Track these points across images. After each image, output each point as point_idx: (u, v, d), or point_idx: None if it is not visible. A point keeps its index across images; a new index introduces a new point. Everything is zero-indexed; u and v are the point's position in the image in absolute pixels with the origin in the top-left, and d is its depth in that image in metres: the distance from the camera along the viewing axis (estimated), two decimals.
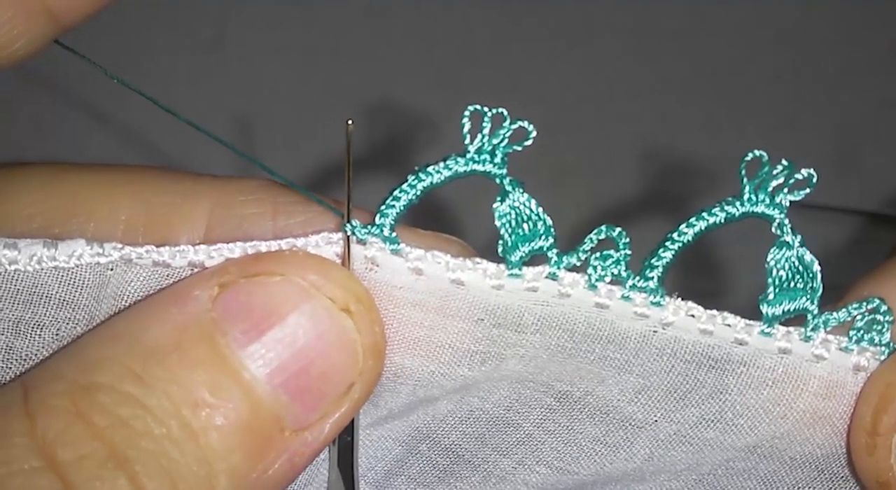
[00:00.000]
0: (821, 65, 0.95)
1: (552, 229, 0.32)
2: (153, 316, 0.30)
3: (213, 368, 0.29)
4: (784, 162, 0.31)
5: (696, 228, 0.32)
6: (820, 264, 0.36)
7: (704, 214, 0.32)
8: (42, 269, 0.31)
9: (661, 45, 0.96)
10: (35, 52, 0.34)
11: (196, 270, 0.32)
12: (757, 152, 0.32)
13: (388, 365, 0.34)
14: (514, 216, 0.32)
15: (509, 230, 0.32)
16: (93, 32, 0.38)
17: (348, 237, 0.32)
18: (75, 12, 0.34)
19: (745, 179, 0.32)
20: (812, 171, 0.31)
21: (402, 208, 0.32)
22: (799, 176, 0.32)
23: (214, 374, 0.29)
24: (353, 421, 0.34)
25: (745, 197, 0.32)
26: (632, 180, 0.91)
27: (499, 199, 0.32)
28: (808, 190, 0.31)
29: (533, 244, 0.32)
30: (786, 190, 0.32)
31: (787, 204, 0.31)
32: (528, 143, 0.32)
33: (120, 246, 0.32)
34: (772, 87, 0.94)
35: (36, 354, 0.32)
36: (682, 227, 0.32)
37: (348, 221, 0.32)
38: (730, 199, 0.32)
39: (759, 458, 0.36)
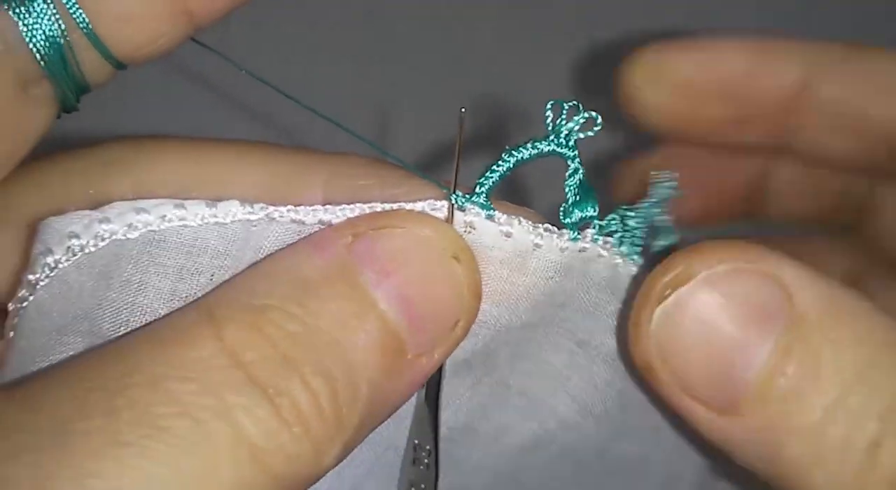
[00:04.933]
0: None
1: (597, 202, 0.40)
2: (302, 258, 0.37)
3: (354, 299, 0.36)
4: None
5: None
6: None
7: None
8: (203, 225, 0.38)
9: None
10: (173, 49, 0.41)
11: (323, 227, 0.39)
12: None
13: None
14: (576, 190, 0.40)
15: (572, 200, 0.40)
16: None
17: (452, 204, 0.39)
18: (211, 14, 0.40)
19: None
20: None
21: (495, 181, 0.40)
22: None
23: (355, 303, 0.36)
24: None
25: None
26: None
27: (568, 175, 0.40)
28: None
29: (585, 213, 0.40)
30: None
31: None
32: (597, 129, 0.39)
33: (264, 206, 0.38)
34: None
35: (194, 295, 0.39)
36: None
37: (454, 192, 0.39)
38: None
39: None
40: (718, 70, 0.48)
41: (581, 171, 0.40)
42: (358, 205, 0.39)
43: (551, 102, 0.39)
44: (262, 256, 0.39)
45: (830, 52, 0.49)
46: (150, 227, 0.37)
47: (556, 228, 0.40)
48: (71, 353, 0.38)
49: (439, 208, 0.39)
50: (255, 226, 0.38)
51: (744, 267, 0.37)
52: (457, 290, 0.38)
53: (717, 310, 0.37)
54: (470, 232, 0.40)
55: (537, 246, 0.40)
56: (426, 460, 0.43)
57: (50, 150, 0.44)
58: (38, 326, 0.38)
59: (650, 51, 0.49)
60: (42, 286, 0.37)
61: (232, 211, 0.38)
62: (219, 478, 0.31)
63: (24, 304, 0.37)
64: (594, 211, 0.40)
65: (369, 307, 0.36)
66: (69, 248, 0.37)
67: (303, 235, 0.39)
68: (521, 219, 0.40)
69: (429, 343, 0.37)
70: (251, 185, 0.41)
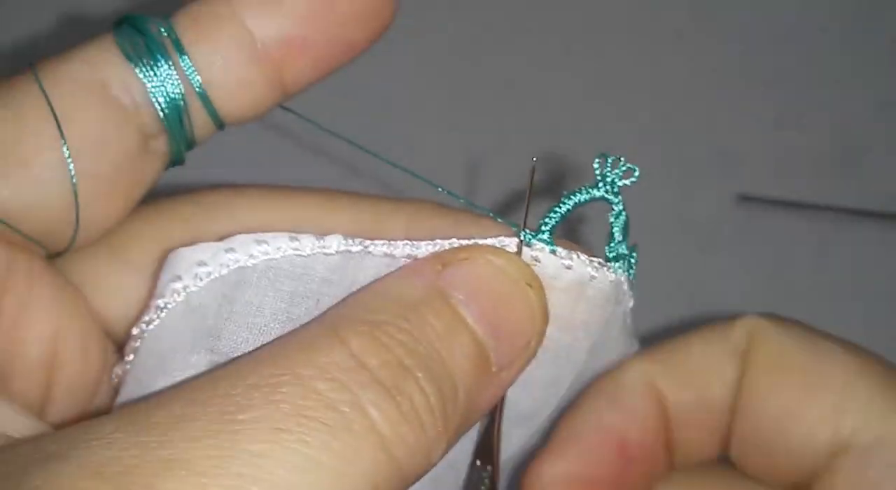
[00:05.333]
0: (821, 65, 0.95)
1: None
2: (404, 282, 0.43)
3: (449, 316, 0.41)
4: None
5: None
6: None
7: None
8: (312, 255, 0.43)
9: (660, 45, 0.96)
10: (266, 113, 0.47)
11: (411, 260, 0.44)
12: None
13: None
14: (621, 230, 0.46)
15: (617, 239, 0.46)
16: None
17: (521, 241, 0.45)
18: (303, 84, 0.47)
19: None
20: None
21: (556, 221, 0.46)
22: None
23: (450, 320, 0.41)
24: None
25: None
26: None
27: (614, 217, 0.46)
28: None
29: (622, 250, 0.47)
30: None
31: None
32: (635, 179, 0.46)
33: (362, 240, 0.44)
34: (772, 87, 0.94)
35: (303, 317, 0.44)
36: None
37: (523, 230, 0.45)
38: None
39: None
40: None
41: (624, 213, 0.46)
42: (439, 241, 0.44)
43: (599, 156, 0.46)
44: (360, 284, 0.44)
45: (661, 357, 0.53)
46: (268, 256, 0.43)
47: (605, 263, 0.46)
48: (193, 371, 0.44)
49: (508, 244, 0.45)
50: (353, 258, 0.44)
51: None
52: (531, 313, 0.43)
53: None
54: (535, 265, 0.45)
55: (593, 277, 0.46)
56: (486, 481, 0.47)
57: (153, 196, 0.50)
58: (165, 346, 0.43)
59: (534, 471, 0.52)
60: (169, 309, 0.43)
61: (336, 243, 0.43)
62: (361, 460, 0.36)
63: (151, 326, 0.43)
64: (630, 250, 0.47)
65: (461, 324, 0.41)
66: (196, 274, 0.42)
67: (392, 268, 0.44)
68: (579, 254, 0.46)
69: (508, 359, 0.43)
70: (338, 229, 0.47)
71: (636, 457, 0.51)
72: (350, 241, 0.44)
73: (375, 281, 0.44)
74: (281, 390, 0.36)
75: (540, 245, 0.46)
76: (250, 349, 0.44)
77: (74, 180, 0.44)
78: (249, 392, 0.36)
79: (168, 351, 0.43)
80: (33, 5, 0.92)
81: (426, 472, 0.39)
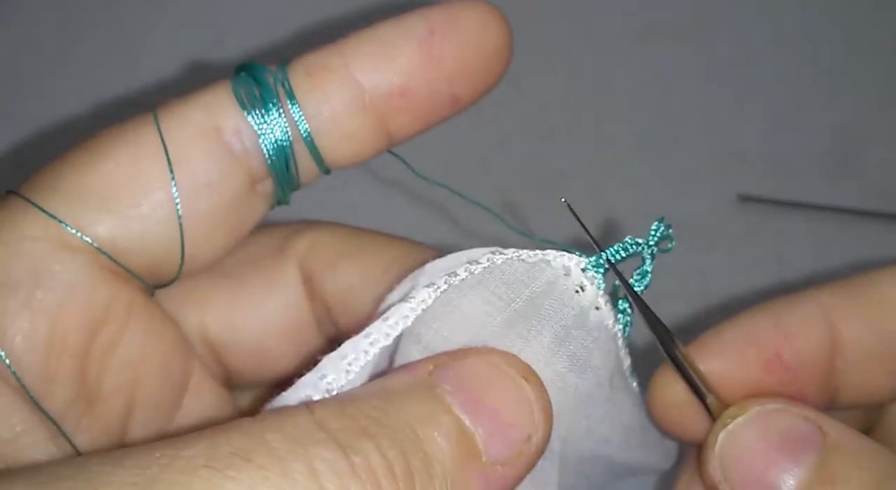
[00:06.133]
0: (821, 65, 0.95)
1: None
2: (388, 378, 0.42)
3: (432, 403, 0.40)
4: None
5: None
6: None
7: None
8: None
9: (660, 45, 0.96)
10: (368, 159, 0.50)
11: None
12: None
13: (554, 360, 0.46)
14: (642, 278, 0.47)
15: (638, 282, 0.47)
16: None
17: (608, 259, 0.46)
18: (406, 135, 0.49)
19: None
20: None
21: (614, 259, 0.47)
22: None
23: (433, 406, 0.40)
24: None
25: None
26: (632, 182, 0.91)
27: (639, 274, 0.48)
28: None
29: (624, 304, 0.48)
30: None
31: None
32: (671, 247, 0.48)
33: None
34: (772, 87, 0.94)
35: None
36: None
37: (603, 256, 0.46)
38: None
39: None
40: (745, 366, 0.50)
41: (649, 277, 0.48)
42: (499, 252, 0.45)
43: (660, 220, 0.48)
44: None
45: (842, 290, 0.51)
46: (339, 383, 0.43)
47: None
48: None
49: (576, 263, 0.46)
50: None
51: (788, 409, 0.47)
52: (527, 405, 0.42)
53: (763, 436, 0.46)
54: (578, 293, 0.46)
55: (598, 309, 0.47)
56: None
57: None
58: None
59: (667, 380, 0.50)
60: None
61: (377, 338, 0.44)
62: None
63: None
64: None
65: (444, 410, 0.40)
66: (345, 370, 0.43)
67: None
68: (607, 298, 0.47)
69: (504, 453, 0.41)
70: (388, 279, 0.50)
71: (786, 378, 0.49)
72: (434, 288, 0.44)
73: (371, 380, 0.44)
74: (230, 438, 0.36)
75: (592, 275, 0.46)
76: None
77: (181, 221, 0.46)
78: (200, 438, 0.36)
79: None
80: (163, 52, 0.97)
81: None
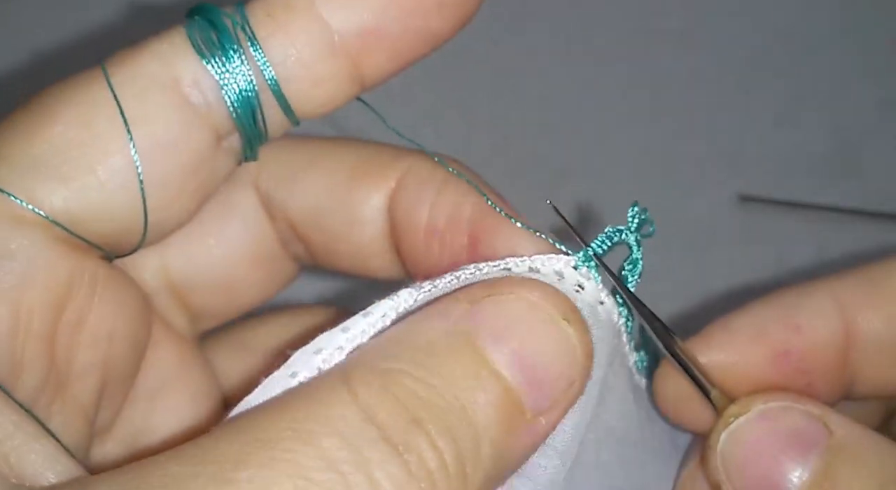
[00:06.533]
0: (821, 65, 0.95)
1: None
2: (425, 325, 0.40)
3: (473, 362, 0.38)
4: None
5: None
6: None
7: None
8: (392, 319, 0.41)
9: (660, 45, 0.96)
10: (341, 107, 0.46)
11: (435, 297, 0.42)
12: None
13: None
14: (634, 274, 0.46)
15: (631, 272, 0.46)
16: None
17: (595, 255, 0.44)
18: (380, 78, 0.45)
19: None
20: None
21: (604, 252, 0.45)
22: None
23: (474, 365, 0.38)
24: None
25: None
26: (631, 182, 0.91)
27: (630, 263, 0.46)
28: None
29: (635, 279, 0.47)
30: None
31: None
32: (652, 230, 0.46)
33: (429, 283, 0.42)
34: (772, 87, 0.94)
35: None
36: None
37: (589, 251, 0.44)
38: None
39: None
40: (750, 358, 0.48)
41: (641, 262, 0.46)
42: (489, 264, 0.42)
43: (634, 205, 0.46)
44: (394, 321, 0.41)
45: (857, 280, 0.49)
46: (355, 343, 0.40)
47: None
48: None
49: (562, 264, 0.43)
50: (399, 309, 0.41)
51: (793, 406, 0.45)
52: (570, 351, 0.40)
53: (767, 435, 0.44)
54: (578, 292, 0.44)
55: (602, 303, 0.45)
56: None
57: None
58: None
59: (669, 375, 0.48)
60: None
61: (384, 311, 0.41)
62: None
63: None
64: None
65: (488, 370, 0.38)
66: (317, 367, 0.39)
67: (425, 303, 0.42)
68: (613, 290, 0.45)
69: (546, 403, 0.39)
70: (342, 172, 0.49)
71: (796, 371, 0.47)
72: (417, 290, 0.41)
73: (398, 323, 0.41)
74: (282, 446, 0.34)
75: (586, 271, 0.44)
76: None
77: (143, 187, 0.43)
78: (248, 448, 0.34)
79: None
80: None
81: None
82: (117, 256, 0.46)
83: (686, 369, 0.46)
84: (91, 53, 0.44)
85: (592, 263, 0.44)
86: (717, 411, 0.46)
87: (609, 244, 0.45)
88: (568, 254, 0.45)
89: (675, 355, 0.46)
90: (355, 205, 0.50)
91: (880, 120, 0.93)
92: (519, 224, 0.46)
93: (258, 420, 0.36)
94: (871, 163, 0.91)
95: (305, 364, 0.39)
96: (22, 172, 0.41)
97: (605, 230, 0.46)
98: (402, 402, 0.36)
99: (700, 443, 0.49)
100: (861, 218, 0.88)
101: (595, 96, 0.94)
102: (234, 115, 0.43)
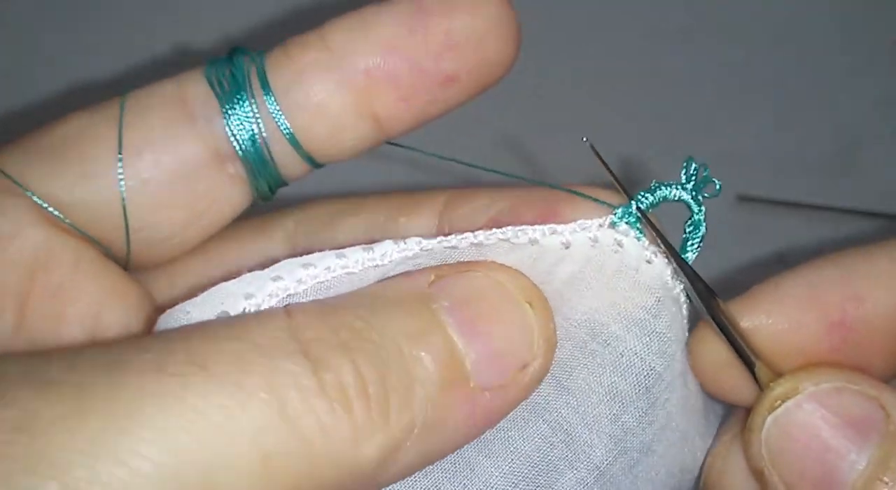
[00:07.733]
0: (821, 65, 0.95)
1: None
2: (384, 283, 0.39)
3: (425, 319, 0.37)
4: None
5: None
6: None
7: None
8: (364, 269, 0.39)
9: (660, 45, 0.96)
10: (365, 151, 0.47)
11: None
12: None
13: (605, 331, 0.42)
14: (696, 237, 0.44)
15: (692, 235, 0.44)
16: None
17: (639, 208, 0.42)
18: (400, 123, 0.46)
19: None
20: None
21: (647, 207, 0.43)
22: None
23: (425, 323, 0.37)
24: None
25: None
26: (631, 182, 0.90)
27: (692, 225, 0.44)
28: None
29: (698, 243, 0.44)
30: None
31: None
32: (718, 190, 0.43)
33: (419, 239, 0.40)
34: (772, 87, 0.94)
35: None
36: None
37: (634, 203, 0.42)
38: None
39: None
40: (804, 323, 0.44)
41: (704, 225, 0.43)
42: (510, 228, 0.40)
43: (688, 159, 0.43)
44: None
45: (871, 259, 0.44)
46: (317, 279, 0.39)
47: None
48: None
49: (591, 227, 0.42)
50: (411, 259, 0.40)
51: (846, 386, 0.41)
52: (527, 333, 0.39)
53: (819, 421, 0.40)
54: (618, 251, 0.41)
55: (649, 262, 0.42)
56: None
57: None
58: None
59: (709, 340, 0.44)
60: None
61: (387, 251, 0.39)
62: (246, 418, 0.32)
63: None
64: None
65: (437, 328, 0.38)
66: (244, 309, 0.38)
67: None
68: (657, 248, 0.42)
69: (494, 379, 0.38)
70: (372, 212, 0.49)
71: (850, 343, 0.42)
72: (403, 245, 0.40)
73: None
74: (187, 342, 0.33)
75: (625, 228, 0.42)
76: None
77: (121, 171, 0.45)
78: (153, 342, 0.34)
79: None
80: (149, 34, 0.94)
81: (362, 473, 0.34)
82: (125, 268, 0.48)
83: (728, 336, 0.42)
84: (129, 89, 0.48)
85: (633, 219, 0.42)
86: (761, 386, 0.42)
87: (655, 201, 0.43)
88: (613, 207, 0.43)
89: (719, 323, 0.42)
90: (401, 230, 0.49)
91: (879, 120, 0.93)
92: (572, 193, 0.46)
93: (182, 331, 0.35)
94: (870, 162, 0.91)
95: (260, 288, 0.38)
96: (25, 156, 0.46)
97: (652, 184, 0.43)
98: (334, 329, 0.35)
99: (737, 416, 0.45)
100: (861, 218, 0.88)
101: (594, 96, 0.94)
102: (240, 153, 0.45)
